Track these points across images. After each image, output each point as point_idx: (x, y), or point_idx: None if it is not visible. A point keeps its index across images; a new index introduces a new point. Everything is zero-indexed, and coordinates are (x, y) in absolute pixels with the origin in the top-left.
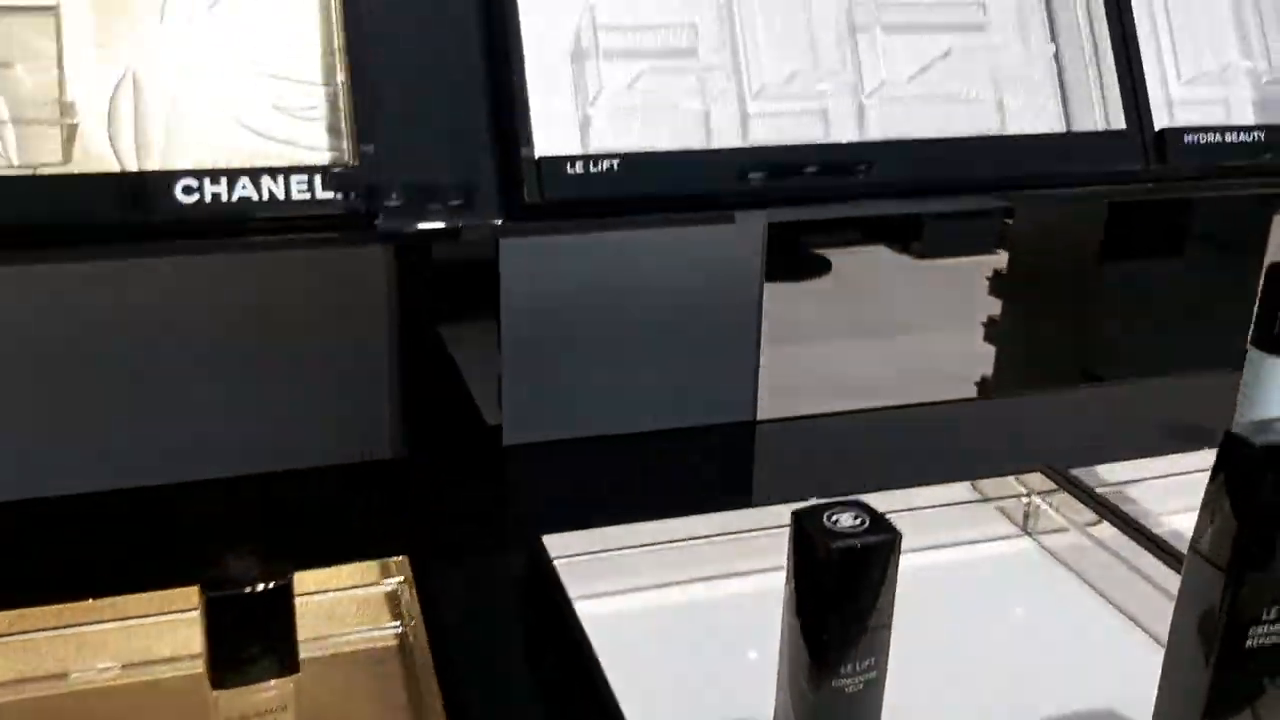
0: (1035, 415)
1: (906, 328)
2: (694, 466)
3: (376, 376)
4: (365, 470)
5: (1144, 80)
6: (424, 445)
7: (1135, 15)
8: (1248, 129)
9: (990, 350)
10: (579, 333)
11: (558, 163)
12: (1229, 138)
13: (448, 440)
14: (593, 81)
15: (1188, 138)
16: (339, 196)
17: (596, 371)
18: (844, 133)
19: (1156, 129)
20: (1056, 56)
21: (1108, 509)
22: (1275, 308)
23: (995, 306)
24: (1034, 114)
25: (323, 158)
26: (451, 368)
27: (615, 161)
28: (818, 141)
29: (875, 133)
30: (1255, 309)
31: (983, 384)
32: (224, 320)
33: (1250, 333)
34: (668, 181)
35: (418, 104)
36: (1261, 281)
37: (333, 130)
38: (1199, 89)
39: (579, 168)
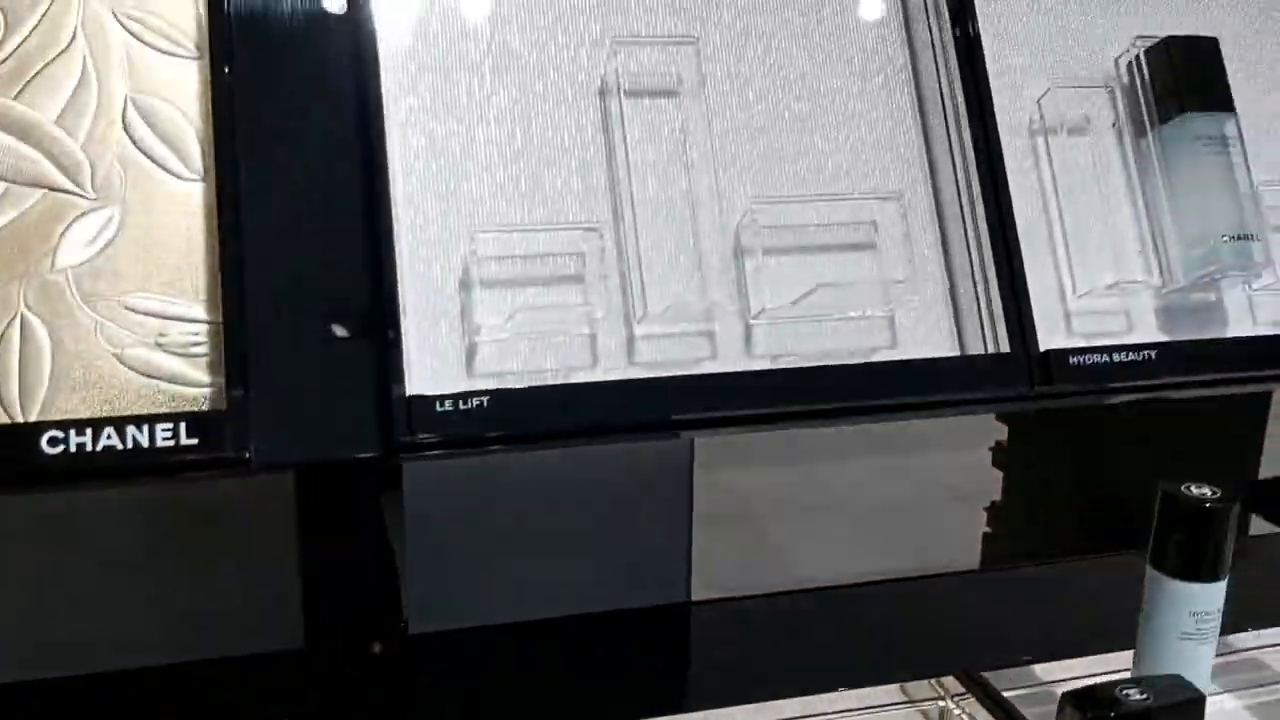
0: (991, 596)
1: (916, 443)
2: (613, 658)
3: (283, 563)
4: (270, 663)
5: (1029, 301)
6: (331, 635)
7: (1035, 229)
8: (1138, 348)
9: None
10: (493, 510)
11: (427, 401)
12: (1118, 357)
13: (355, 629)
14: (479, 310)
15: (1073, 359)
16: (204, 442)
17: (513, 552)
18: (731, 354)
19: (1043, 350)
20: (948, 275)
21: (1007, 714)
22: (1170, 528)
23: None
24: (926, 330)
25: (204, 393)
26: (359, 553)
27: (485, 399)
28: (704, 367)
29: (762, 352)
30: (1153, 527)
31: (992, 509)
32: (128, 508)
33: (1149, 551)
34: (541, 415)
35: (297, 339)
36: (1157, 502)
37: (214, 367)
38: (1098, 301)
39: (448, 405)
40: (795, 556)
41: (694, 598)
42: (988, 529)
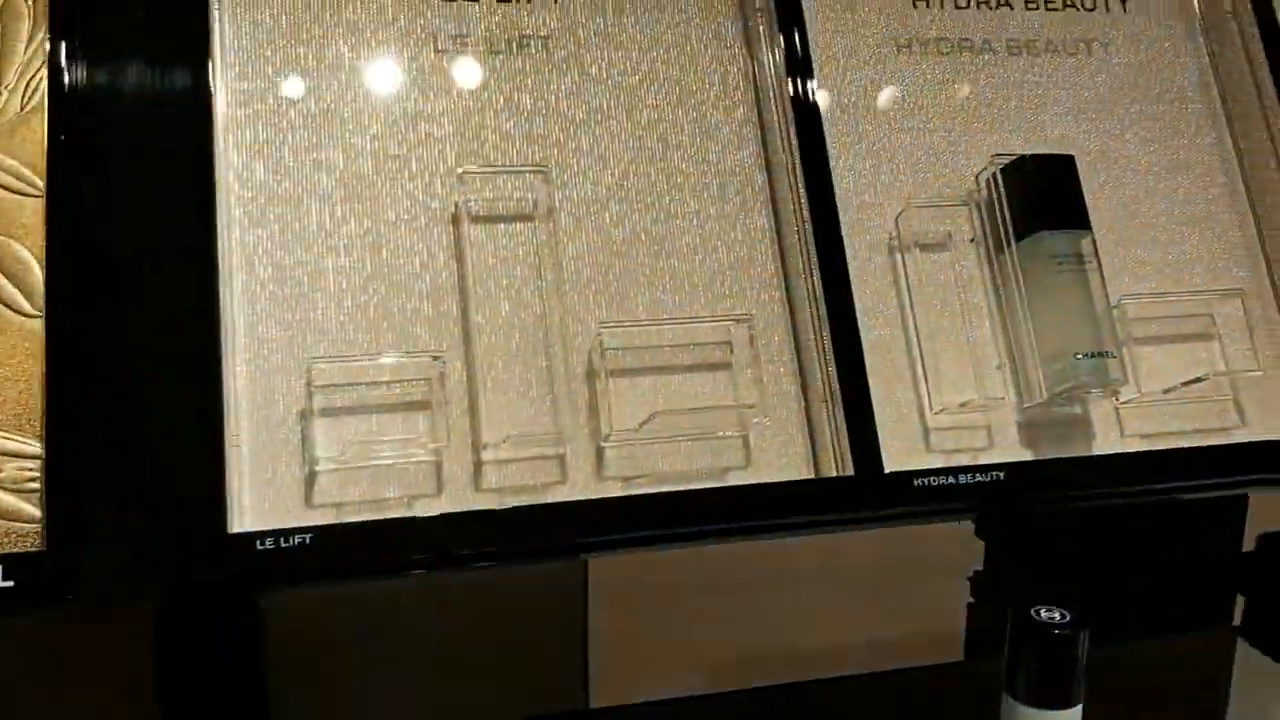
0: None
1: None
2: None
3: (141, 688)
4: None
5: (874, 424)
6: None
7: (895, 346)
8: (986, 468)
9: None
10: (370, 625)
11: (246, 539)
12: (964, 479)
13: None
14: (319, 440)
15: (917, 481)
16: (22, 583)
17: (388, 670)
18: (582, 478)
19: (888, 472)
20: (803, 395)
21: None
22: (1020, 652)
23: None
24: (780, 451)
25: (39, 529)
26: (223, 675)
27: (309, 536)
28: (553, 492)
29: (614, 474)
30: (1005, 652)
31: (975, 578)
32: None
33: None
34: (366, 551)
35: (128, 476)
36: (1008, 625)
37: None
38: (959, 417)
39: (268, 543)
40: (751, 640)
41: (593, 704)
42: (971, 600)
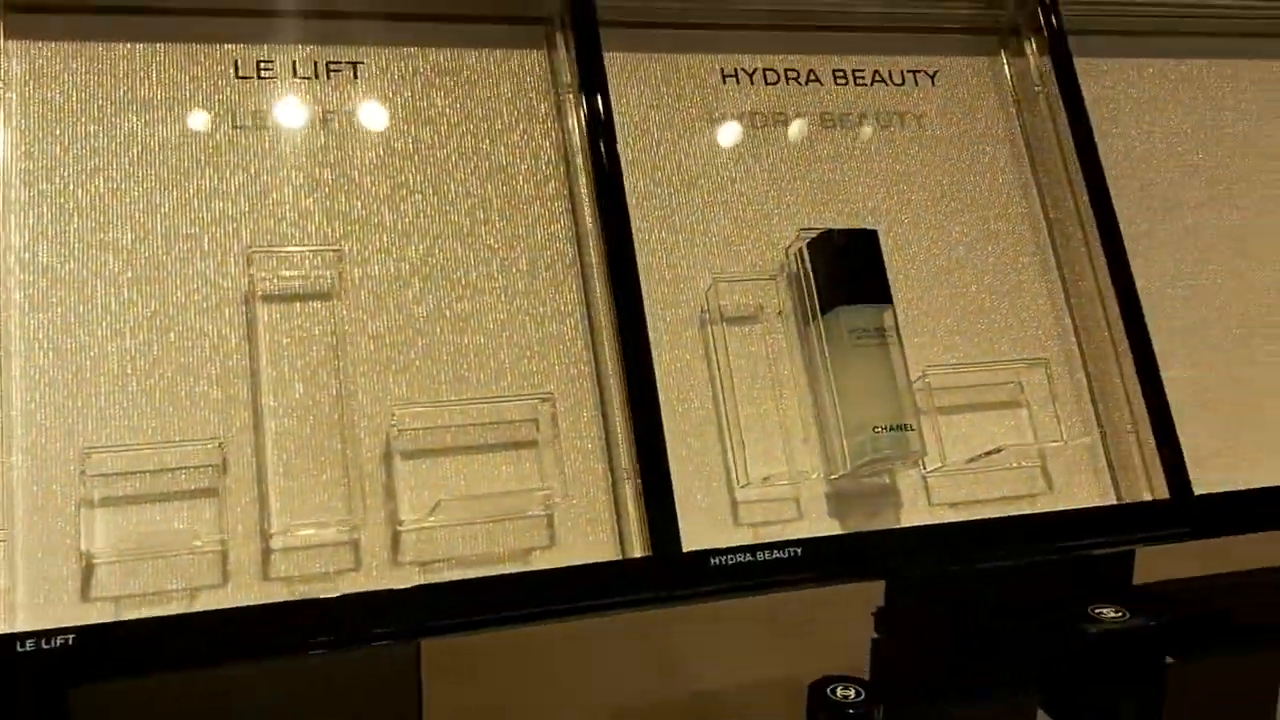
0: None
1: None
2: None
3: None
4: None
5: (672, 503)
6: None
7: (708, 420)
8: (784, 545)
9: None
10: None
11: (7, 641)
12: (761, 555)
13: None
14: (98, 531)
15: (714, 560)
16: None
17: None
18: (376, 564)
19: (686, 550)
20: (610, 473)
21: None
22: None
23: None
24: (586, 529)
25: None
26: None
27: (71, 637)
28: (345, 580)
29: (411, 559)
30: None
31: (878, 614)
32: None
33: None
34: (137, 649)
35: None
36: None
37: None
38: (768, 489)
39: (29, 645)
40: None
41: None
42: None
